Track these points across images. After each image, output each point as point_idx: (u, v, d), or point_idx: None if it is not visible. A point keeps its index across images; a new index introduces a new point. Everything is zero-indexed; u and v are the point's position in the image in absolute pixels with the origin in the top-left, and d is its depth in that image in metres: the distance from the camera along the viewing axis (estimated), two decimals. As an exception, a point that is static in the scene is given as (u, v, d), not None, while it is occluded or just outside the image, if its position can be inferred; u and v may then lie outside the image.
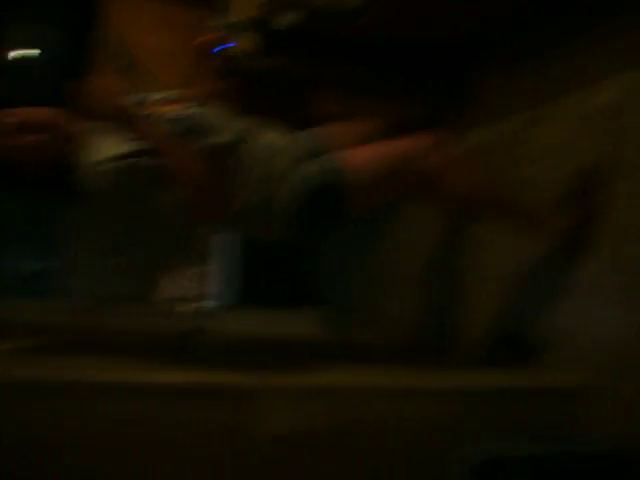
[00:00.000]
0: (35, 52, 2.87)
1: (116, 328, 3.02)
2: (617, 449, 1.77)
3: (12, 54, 2.84)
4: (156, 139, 1.73)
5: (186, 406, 1.68)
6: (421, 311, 2.84)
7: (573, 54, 2.20)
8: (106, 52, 2.79)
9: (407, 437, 1.78)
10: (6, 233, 4.68)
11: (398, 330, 2.98)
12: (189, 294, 4.48)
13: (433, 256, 2.82)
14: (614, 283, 1.90)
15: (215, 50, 2.51)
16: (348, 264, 3.72)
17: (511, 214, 2.05)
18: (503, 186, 2.23)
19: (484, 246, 2.49)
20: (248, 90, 2.85)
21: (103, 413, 1.63)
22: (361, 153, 1.92)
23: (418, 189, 1.96)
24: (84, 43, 2.80)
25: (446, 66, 2.71)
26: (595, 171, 2.01)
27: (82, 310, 3.17)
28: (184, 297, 4.47)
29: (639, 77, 1.93)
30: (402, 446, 1.77)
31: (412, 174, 1.91)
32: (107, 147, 1.76)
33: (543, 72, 2.32)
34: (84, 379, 1.69)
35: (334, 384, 1.82)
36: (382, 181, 1.90)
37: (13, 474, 1.57)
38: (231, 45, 2.47)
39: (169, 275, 4.40)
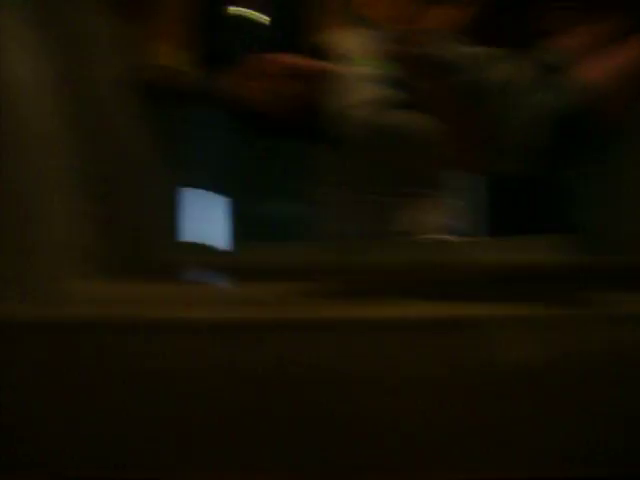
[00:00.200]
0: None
1: (363, 265, 3.13)
2: None
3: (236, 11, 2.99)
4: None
5: (427, 338, 1.71)
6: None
7: None
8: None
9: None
10: (253, 177, 5.00)
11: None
12: (435, 226, 4.49)
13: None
14: None
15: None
16: (592, 186, 3.50)
17: None
18: None
19: None
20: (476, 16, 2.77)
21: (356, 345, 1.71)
22: (604, 62, 1.76)
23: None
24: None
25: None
26: None
27: (333, 250, 3.33)
28: (430, 229, 4.47)
29: None
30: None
31: None
32: (360, 90, 1.75)
33: None
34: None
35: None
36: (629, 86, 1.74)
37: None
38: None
39: (416, 208, 4.44)
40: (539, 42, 1.95)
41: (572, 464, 1.68)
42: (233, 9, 2.96)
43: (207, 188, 4.55)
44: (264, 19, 2.91)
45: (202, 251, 3.67)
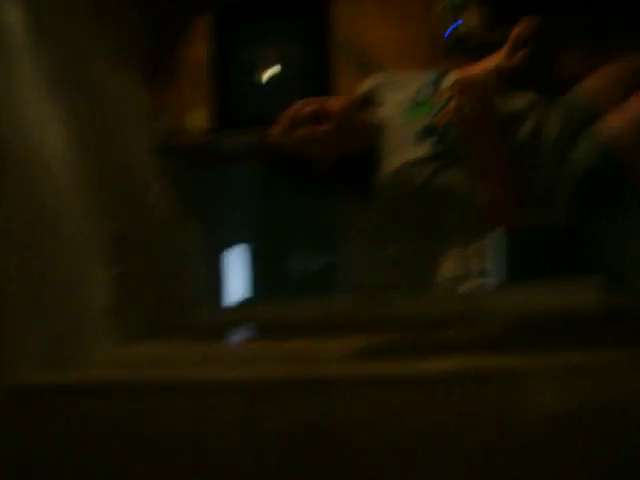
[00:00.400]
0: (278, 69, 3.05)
1: (397, 316, 3.12)
2: None
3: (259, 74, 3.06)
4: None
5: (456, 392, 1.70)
6: None
7: None
8: (344, 54, 2.88)
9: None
10: (284, 231, 5.04)
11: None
12: (466, 273, 4.48)
13: None
14: None
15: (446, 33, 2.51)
16: (621, 227, 3.48)
17: None
18: None
19: None
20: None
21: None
22: (629, 110, 1.75)
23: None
24: (323, 50, 2.92)
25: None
26: None
27: (362, 302, 3.33)
28: (461, 276, 4.47)
29: None
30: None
31: None
32: (405, 147, 1.69)
33: None
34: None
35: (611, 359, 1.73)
36: None
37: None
38: (458, 24, 2.46)
39: (447, 256, 4.43)
40: (566, 88, 1.96)
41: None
42: (257, 68, 3.02)
43: (239, 247, 4.61)
44: (285, 73, 2.97)
45: (237, 310, 3.70)
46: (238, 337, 2.93)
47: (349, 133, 1.73)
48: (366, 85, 1.95)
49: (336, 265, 4.48)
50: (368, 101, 1.88)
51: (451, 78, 1.80)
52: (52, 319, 2.04)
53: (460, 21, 2.52)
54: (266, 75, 3.05)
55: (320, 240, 4.89)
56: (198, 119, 2.95)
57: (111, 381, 1.91)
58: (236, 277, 4.36)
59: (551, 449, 1.65)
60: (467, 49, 2.59)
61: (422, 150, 1.67)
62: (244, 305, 4.05)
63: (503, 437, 1.67)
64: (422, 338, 2.35)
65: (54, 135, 2.18)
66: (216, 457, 1.76)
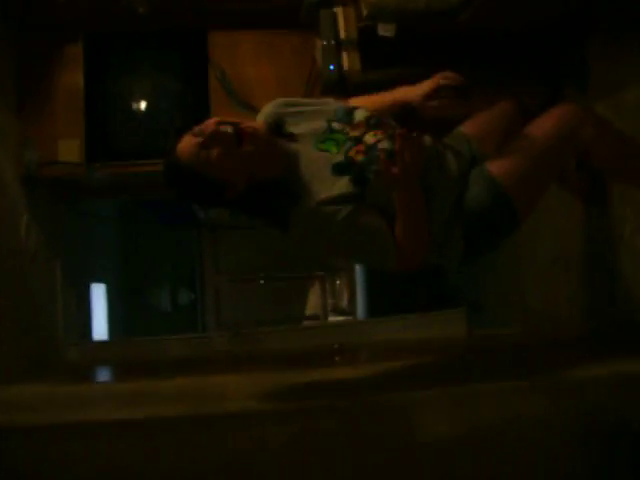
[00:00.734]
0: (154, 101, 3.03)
1: (270, 351, 3.14)
2: None
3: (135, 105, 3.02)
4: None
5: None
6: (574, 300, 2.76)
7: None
8: (222, 88, 2.90)
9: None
10: (147, 269, 4.95)
11: (544, 322, 2.93)
12: (332, 308, 4.57)
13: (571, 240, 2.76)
14: None
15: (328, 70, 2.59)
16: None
17: None
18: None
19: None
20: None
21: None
22: (516, 154, 1.83)
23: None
24: (200, 84, 2.93)
25: (558, 47, 2.66)
26: None
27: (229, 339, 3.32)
28: (325, 312, 4.55)
29: None
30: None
31: (569, 148, 1.86)
32: (322, 181, 1.68)
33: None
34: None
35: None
36: (543, 175, 1.87)
37: None
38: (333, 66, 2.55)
39: (310, 294, 4.49)
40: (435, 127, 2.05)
41: None
42: (132, 100, 2.98)
43: (104, 284, 4.46)
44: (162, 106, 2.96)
45: (103, 347, 3.56)
46: (113, 376, 2.83)
47: (267, 158, 1.71)
48: (268, 112, 1.94)
49: (202, 303, 4.45)
50: (277, 128, 1.87)
51: (362, 113, 1.85)
52: None
53: (336, 63, 2.61)
54: (141, 107, 3.01)
55: (186, 278, 4.84)
56: (69, 150, 2.86)
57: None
58: (101, 315, 4.21)
59: (440, 475, 1.71)
60: (344, 88, 2.68)
61: (340, 187, 1.68)
62: (111, 343, 3.91)
63: (392, 464, 1.71)
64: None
65: None
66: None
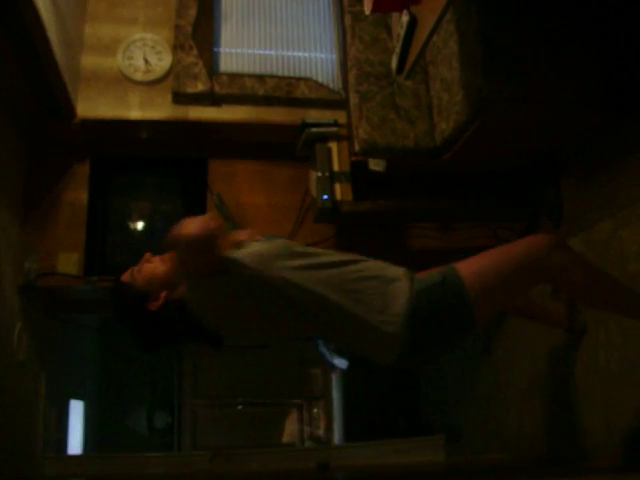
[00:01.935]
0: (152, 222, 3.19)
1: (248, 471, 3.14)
2: None
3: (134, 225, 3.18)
4: None
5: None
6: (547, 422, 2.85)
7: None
8: (219, 213, 3.07)
9: None
10: (124, 388, 4.91)
11: (525, 445, 2.99)
12: (307, 436, 4.57)
13: (548, 365, 2.87)
14: None
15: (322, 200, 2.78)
16: (453, 385, 3.75)
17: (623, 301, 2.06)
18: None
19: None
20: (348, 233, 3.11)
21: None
22: (479, 262, 1.94)
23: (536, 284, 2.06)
24: (198, 207, 3.10)
25: (535, 183, 2.87)
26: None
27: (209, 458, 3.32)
28: (302, 440, 4.55)
29: None
30: None
31: (537, 272, 1.95)
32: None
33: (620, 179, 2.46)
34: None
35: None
36: (506, 287, 1.95)
37: None
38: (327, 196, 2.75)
39: (287, 421, 4.52)
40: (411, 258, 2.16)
41: None
42: (133, 219, 3.14)
43: (82, 400, 4.43)
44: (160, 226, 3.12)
45: (78, 462, 3.52)
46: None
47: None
48: None
49: (179, 426, 4.43)
50: None
51: None
52: None
53: (329, 193, 2.80)
54: (140, 227, 3.16)
55: (163, 400, 4.82)
56: (68, 263, 2.97)
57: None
58: (78, 433, 4.16)
59: None
60: (336, 217, 2.86)
61: None
62: (89, 457, 3.86)
63: None
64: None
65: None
66: None
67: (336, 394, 4.55)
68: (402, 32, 2.20)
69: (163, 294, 1.91)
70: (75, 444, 4.02)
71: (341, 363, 4.16)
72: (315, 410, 4.63)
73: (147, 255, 2.00)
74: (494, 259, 1.95)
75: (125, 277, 1.98)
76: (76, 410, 4.14)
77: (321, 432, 4.58)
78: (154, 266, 1.96)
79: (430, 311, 1.86)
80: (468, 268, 1.92)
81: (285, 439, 4.48)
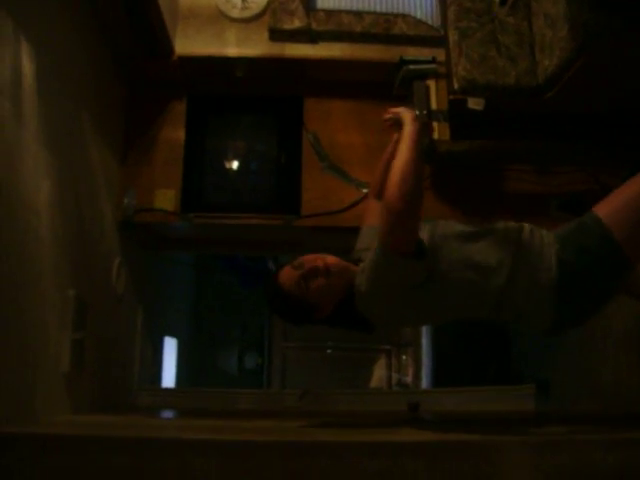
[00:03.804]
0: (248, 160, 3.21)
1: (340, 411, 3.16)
2: None
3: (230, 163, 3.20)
4: None
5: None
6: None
7: None
8: (313, 153, 3.06)
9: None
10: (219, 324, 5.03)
11: (622, 397, 2.90)
12: (395, 383, 4.57)
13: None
14: None
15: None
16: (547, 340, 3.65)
17: None
18: None
19: None
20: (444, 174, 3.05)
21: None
22: (612, 201, 1.83)
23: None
24: (293, 147, 3.09)
25: (637, 128, 2.74)
26: None
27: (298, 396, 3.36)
28: (389, 386, 4.55)
29: None
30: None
31: None
32: None
33: None
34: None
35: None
36: None
37: None
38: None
39: (376, 367, 4.52)
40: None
41: None
42: (228, 158, 3.17)
43: (177, 335, 4.58)
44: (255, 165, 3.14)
45: (171, 395, 3.64)
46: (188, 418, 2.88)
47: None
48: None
49: (269, 367, 4.52)
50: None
51: None
52: (10, 380, 1.98)
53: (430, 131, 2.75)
54: (235, 165, 3.18)
55: (254, 341, 4.91)
56: (165, 199, 3.02)
57: (86, 435, 1.87)
58: (171, 368, 4.30)
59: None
60: (435, 157, 2.81)
61: None
62: (181, 391, 3.98)
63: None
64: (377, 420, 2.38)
65: (45, 189, 2.20)
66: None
67: (425, 342, 4.52)
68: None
69: (331, 303, 1.91)
70: (169, 379, 4.15)
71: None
72: (404, 357, 4.62)
73: (323, 257, 1.91)
74: (627, 195, 1.83)
75: (289, 282, 1.90)
76: (170, 347, 4.26)
77: (409, 379, 4.57)
78: (331, 284, 1.89)
79: (577, 257, 1.82)
80: (601, 209, 1.83)
81: (373, 384, 4.50)
